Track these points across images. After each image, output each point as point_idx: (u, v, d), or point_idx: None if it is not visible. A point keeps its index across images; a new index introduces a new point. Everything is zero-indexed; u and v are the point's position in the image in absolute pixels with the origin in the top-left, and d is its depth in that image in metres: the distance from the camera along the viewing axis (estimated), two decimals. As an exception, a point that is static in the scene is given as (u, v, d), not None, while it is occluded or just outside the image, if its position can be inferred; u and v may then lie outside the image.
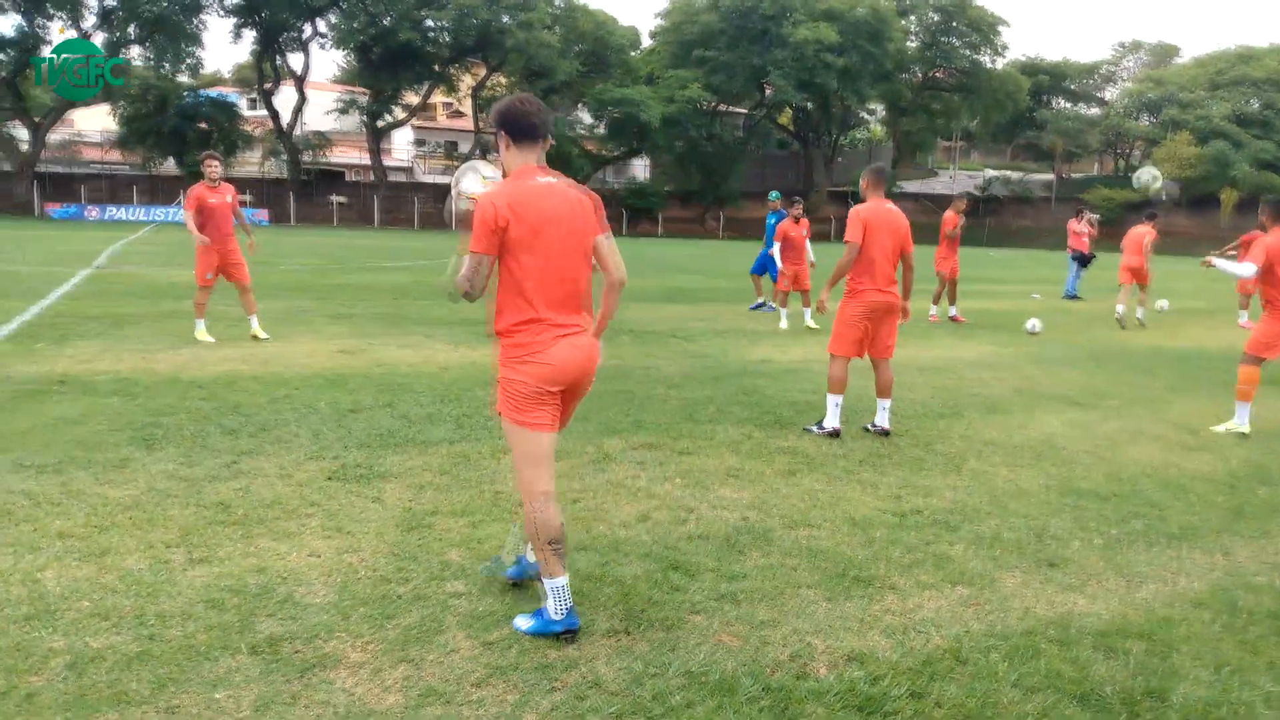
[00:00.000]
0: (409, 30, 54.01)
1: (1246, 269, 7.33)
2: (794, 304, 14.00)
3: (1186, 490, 5.63)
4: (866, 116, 78.95)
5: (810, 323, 13.06)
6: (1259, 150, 58.14)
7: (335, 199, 59.80)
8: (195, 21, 55.08)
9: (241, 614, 3.48)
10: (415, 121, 76.20)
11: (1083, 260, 20.03)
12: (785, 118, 71.21)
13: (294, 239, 36.09)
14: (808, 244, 13.65)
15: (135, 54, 55.07)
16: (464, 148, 66.74)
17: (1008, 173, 75.38)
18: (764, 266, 15.05)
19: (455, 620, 3.50)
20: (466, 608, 3.61)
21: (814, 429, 6.79)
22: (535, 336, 3.38)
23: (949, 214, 14.39)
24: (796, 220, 13.50)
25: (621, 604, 3.69)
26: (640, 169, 73.84)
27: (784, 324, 13.17)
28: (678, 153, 64.99)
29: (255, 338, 9.92)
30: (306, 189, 60.54)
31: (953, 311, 14.49)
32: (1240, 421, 7.27)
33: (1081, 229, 19.92)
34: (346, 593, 3.71)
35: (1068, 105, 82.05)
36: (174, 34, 53.34)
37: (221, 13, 56.58)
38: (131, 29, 53.24)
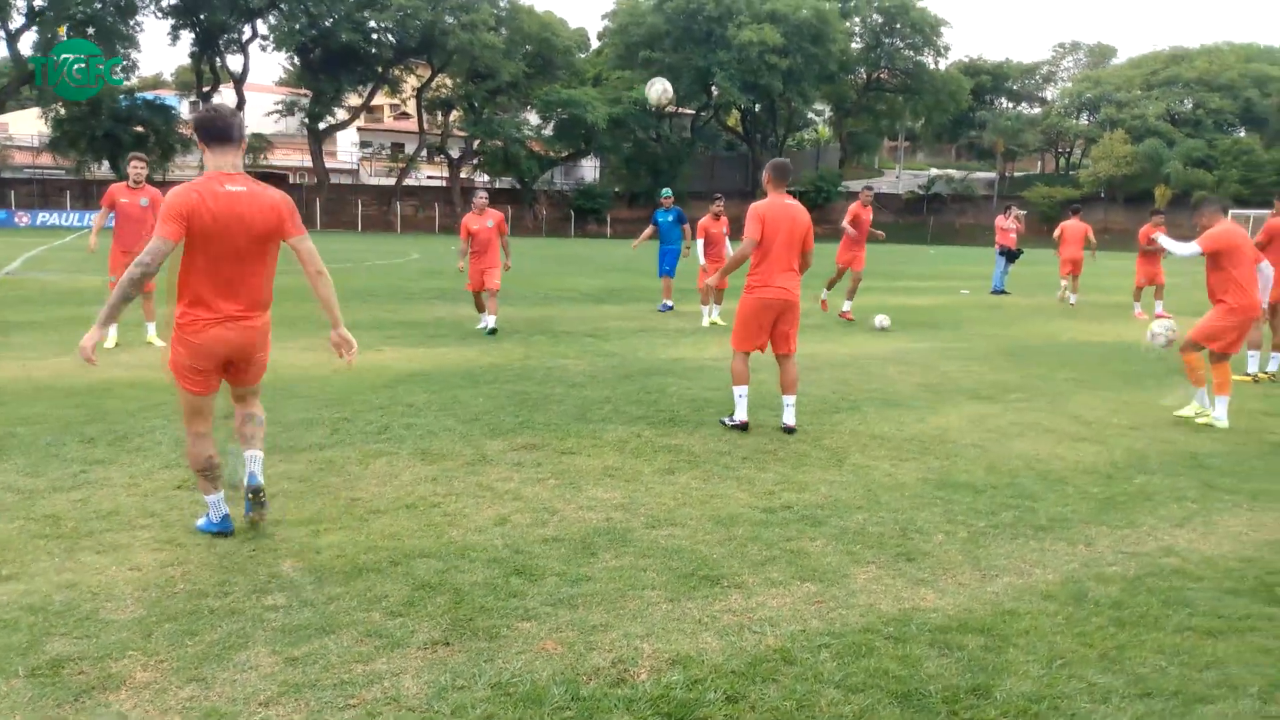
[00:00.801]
0: (350, 31, 53.29)
1: (1192, 248, 7.35)
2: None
3: (1065, 481, 5.61)
4: (814, 117, 79.58)
5: (720, 320, 12.92)
6: (1191, 148, 59.56)
7: (276, 203, 58.66)
8: (130, 23, 53.85)
9: (33, 634, 3.26)
10: (361, 123, 75.25)
11: (1010, 256, 20.33)
12: (734, 119, 71.51)
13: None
14: (728, 241, 13.53)
15: (66, 56, 53.59)
16: (410, 149, 65.99)
17: (951, 172, 76.42)
18: (670, 266, 14.65)
19: (265, 635, 3.31)
20: (281, 621, 3.42)
21: (726, 421, 6.78)
22: (198, 319, 4.05)
23: (852, 206, 14.19)
24: (717, 217, 13.40)
25: (450, 613, 3.53)
26: (590, 170, 73.67)
27: (706, 321, 13.09)
28: (625, 154, 64.94)
29: (149, 344, 9.60)
30: (247, 193, 59.38)
31: (846, 306, 14.08)
32: (1201, 403, 7.36)
33: (1009, 225, 20.23)
34: (157, 608, 3.50)
35: (1010, 105, 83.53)
36: (107, 36, 52.02)
37: (158, 14, 55.36)
38: (63, 30, 51.83)
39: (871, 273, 26.67)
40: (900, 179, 79.74)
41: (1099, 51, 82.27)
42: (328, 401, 7.13)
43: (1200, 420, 7.38)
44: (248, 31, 57.20)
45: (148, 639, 3.26)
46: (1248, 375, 9.39)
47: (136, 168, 9.46)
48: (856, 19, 67.47)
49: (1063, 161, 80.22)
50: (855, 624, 3.56)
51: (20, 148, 62.66)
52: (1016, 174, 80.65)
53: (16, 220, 48.93)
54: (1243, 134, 66.31)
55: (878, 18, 66.72)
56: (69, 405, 6.78)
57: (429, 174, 70.73)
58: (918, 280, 24.01)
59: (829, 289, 14.59)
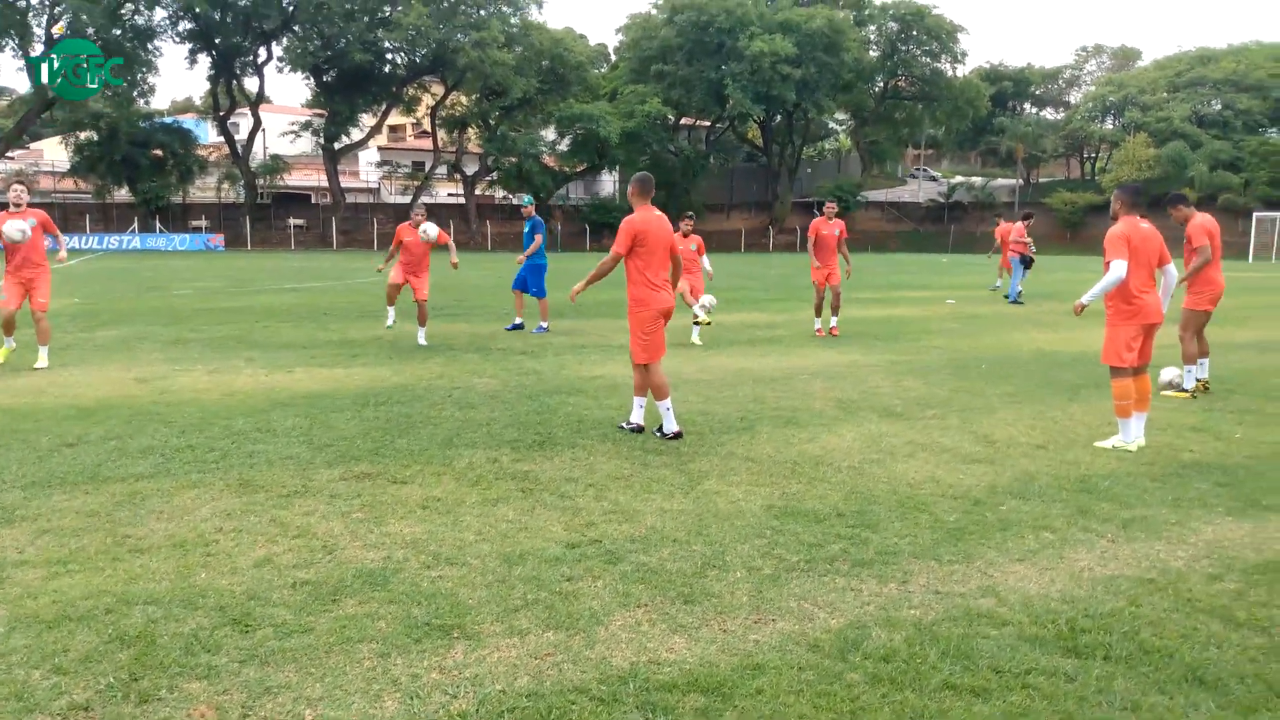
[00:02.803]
0: (361, 51, 53.65)
1: (1116, 271, 6.50)
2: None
3: (923, 509, 5.16)
4: (835, 127, 78.96)
5: (695, 339, 12.44)
6: (1217, 150, 58.11)
7: (293, 222, 59.32)
8: (149, 47, 54.69)
9: None
10: (383, 143, 75.84)
11: (1027, 263, 20.21)
12: (754, 132, 71.06)
13: (222, 262, 35.53)
14: (704, 260, 13.02)
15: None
16: (430, 167, 66.23)
17: (973, 179, 75.35)
18: (525, 282, 13.58)
19: (-105, 697, 3.00)
20: (-72, 680, 3.11)
21: (657, 433, 6.83)
22: None
23: (813, 222, 13.61)
24: (685, 236, 12.87)
25: (122, 671, 3.19)
26: (610, 184, 73.59)
27: (700, 315, 12.63)
28: (641, 167, 64.75)
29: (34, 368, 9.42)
30: (264, 213, 60.07)
31: (833, 322, 13.39)
32: (1124, 438, 6.61)
33: (1025, 239, 20.27)
34: None
35: (1033, 111, 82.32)
36: (127, 60, 52.87)
37: (176, 38, 56.23)
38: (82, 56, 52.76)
39: (867, 284, 26.19)
40: (921, 187, 78.79)
41: (1123, 54, 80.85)
42: (186, 427, 6.85)
43: (1113, 447, 6.77)
44: (263, 54, 57.88)
45: None
46: (1184, 392, 8.84)
47: (17, 192, 9.47)
48: (872, 27, 66.85)
49: (1087, 167, 78.84)
50: (570, 682, 3.17)
51: (47, 173, 63.92)
52: (1041, 180, 79.42)
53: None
54: (1274, 134, 64.65)
55: (893, 25, 66.00)
56: (-77, 434, 6.57)
57: (449, 192, 71.01)
58: (911, 290, 23.46)
59: (818, 316, 13.57)
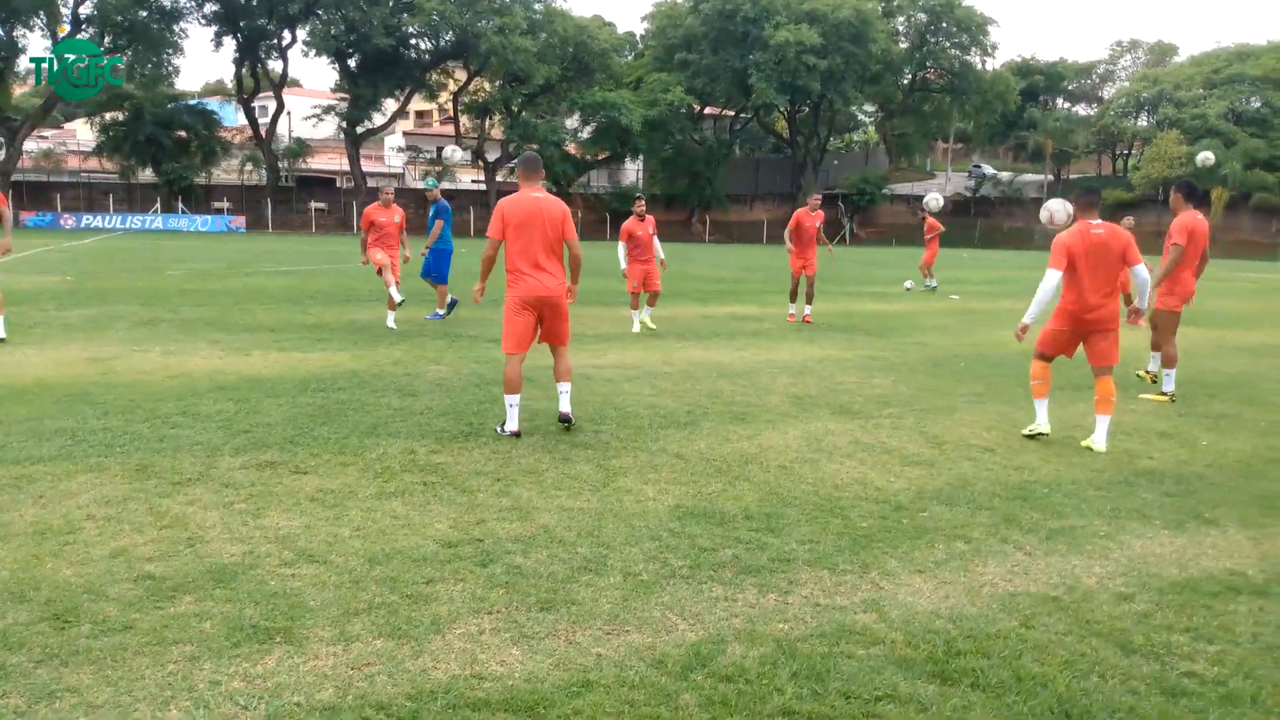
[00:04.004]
0: (384, 36, 53.61)
1: (1046, 282, 6.50)
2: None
3: (839, 513, 4.88)
4: (863, 119, 78.00)
5: (649, 324, 12.42)
6: (1252, 148, 56.77)
7: (314, 205, 59.52)
8: (174, 29, 54.97)
9: None
10: (410, 128, 75.98)
11: None
12: (781, 123, 70.34)
13: (234, 243, 35.63)
14: (656, 242, 12.85)
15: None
16: (449, 152, 66.21)
17: (1000, 174, 74.20)
18: (436, 269, 12.78)
19: None
20: None
21: (499, 429, 6.47)
22: None
23: (796, 213, 13.75)
24: (641, 218, 12.67)
25: (-91, 667, 3.01)
26: (633, 172, 73.24)
27: (636, 327, 12.47)
28: (663, 156, 64.38)
29: None
30: (286, 195, 60.33)
31: (806, 310, 13.85)
32: (1037, 420, 6.87)
33: None
34: None
35: (1065, 106, 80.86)
36: (152, 43, 53.24)
37: (201, 21, 56.50)
38: (109, 38, 53.11)
39: (874, 278, 25.77)
40: (950, 181, 77.70)
41: (1159, 50, 79.20)
42: (111, 409, 6.69)
43: (1083, 443, 6.59)
44: (287, 37, 58.00)
45: None
46: (1164, 395, 8.47)
47: None
48: (900, 18, 65.90)
49: (1119, 164, 77.41)
50: (376, 697, 2.95)
51: (74, 152, 64.63)
52: (1071, 176, 78.05)
53: (62, 223, 50.28)
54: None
55: (922, 17, 64.99)
56: None
57: (472, 179, 71.00)
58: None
59: (793, 302, 14.12)
